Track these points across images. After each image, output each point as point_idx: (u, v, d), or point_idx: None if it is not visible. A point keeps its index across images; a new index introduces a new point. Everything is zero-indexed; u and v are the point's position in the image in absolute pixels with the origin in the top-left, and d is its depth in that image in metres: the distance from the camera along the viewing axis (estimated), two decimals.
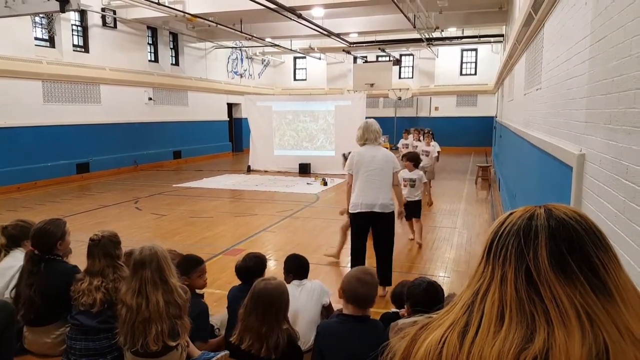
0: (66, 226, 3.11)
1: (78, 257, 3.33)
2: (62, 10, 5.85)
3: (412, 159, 6.97)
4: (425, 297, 2.42)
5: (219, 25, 14.28)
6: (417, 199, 6.81)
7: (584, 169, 2.60)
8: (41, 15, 11.59)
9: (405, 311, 2.60)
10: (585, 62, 2.70)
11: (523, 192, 5.74)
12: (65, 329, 2.90)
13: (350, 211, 4.74)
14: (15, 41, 11.30)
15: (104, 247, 2.87)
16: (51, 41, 12.77)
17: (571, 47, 3.15)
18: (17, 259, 3.08)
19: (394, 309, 3.13)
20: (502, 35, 16.98)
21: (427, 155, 10.17)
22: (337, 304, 3.06)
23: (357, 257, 4.82)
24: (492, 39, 18.52)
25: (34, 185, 11.73)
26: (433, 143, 10.70)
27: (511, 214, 0.81)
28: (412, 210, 6.71)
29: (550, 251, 0.72)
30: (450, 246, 6.76)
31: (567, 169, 2.86)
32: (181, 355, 2.76)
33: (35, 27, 12.24)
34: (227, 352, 3.01)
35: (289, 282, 3.26)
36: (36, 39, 12.34)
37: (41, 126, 12.06)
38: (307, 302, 3.10)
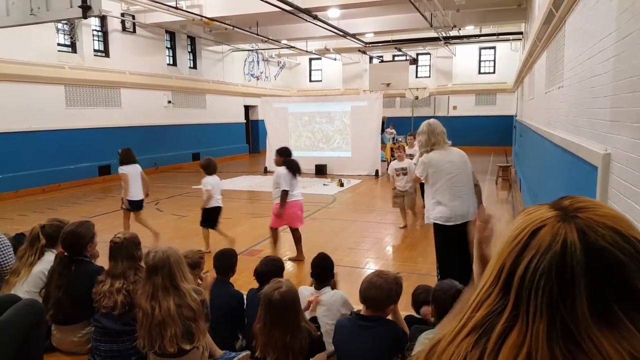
0: (94, 228, 3.17)
1: (99, 258, 3.40)
2: (85, 16, 5.96)
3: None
4: (452, 304, 2.37)
5: (235, 29, 14.39)
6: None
7: (609, 168, 2.55)
8: (64, 21, 11.83)
9: (430, 312, 2.57)
10: (610, 60, 2.64)
11: (545, 192, 5.65)
12: (91, 328, 2.95)
13: (439, 223, 4.22)
14: (38, 47, 11.56)
15: (127, 249, 2.92)
16: (73, 47, 13.03)
17: (595, 45, 3.09)
18: (50, 262, 3.13)
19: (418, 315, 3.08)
20: (521, 33, 16.73)
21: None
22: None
23: (451, 274, 3.61)
24: (510, 37, 18.25)
25: (58, 187, 11.97)
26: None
27: (536, 231, 0.67)
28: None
29: (591, 299, 0.62)
30: (471, 247, 6.68)
31: (591, 168, 2.81)
32: (202, 354, 2.79)
33: (58, 33, 12.52)
34: (248, 352, 3.04)
35: (313, 283, 3.25)
36: (59, 44, 12.62)
37: (64, 130, 12.31)
38: (325, 314, 3.04)
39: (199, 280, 3.46)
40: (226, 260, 3.52)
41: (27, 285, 3.05)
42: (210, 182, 6.27)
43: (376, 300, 2.50)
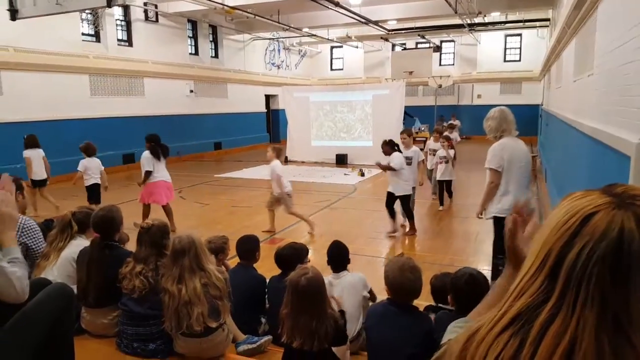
0: (121, 213, 3.23)
1: (128, 243, 3.47)
2: (109, 5, 6.04)
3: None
4: (467, 289, 2.37)
5: (257, 17, 14.36)
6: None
7: None
8: (88, 11, 12.00)
9: (450, 302, 2.56)
10: None
11: (572, 182, 5.51)
12: (119, 311, 3.02)
13: (502, 216, 3.94)
14: (63, 37, 11.76)
15: (152, 236, 2.96)
16: (97, 36, 13.21)
17: (629, 30, 2.97)
18: (79, 247, 3.20)
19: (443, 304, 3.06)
20: (548, 20, 16.28)
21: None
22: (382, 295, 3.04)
23: None
24: (537, 24, 17.77)
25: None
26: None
27: (588, 217, 0.64)
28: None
29: None
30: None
31: (624, 158, 2.72)
32: (227, 336, 2.87)
33: (82, 23, 12.70)
34: (270, 337, 3.07)
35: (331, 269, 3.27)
36: (83, 34, 12.81)
37: (89, 119, 12.53)
38: (347, 297, 3.07)
39: (222, 267, 3.50)
40: (248, 245, 3.58)
41: (57, 269, 3.14)
42: (85, 164, 7.37)
43: (408, 289, 2.49)
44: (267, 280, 3.45)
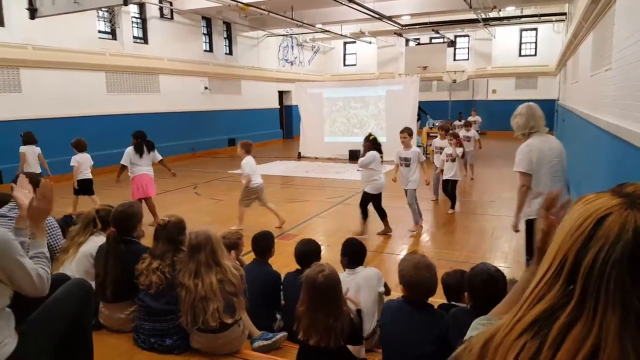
0: (142, 210, 3.31)
1: (143, 240, 3.52)
2: (126, 3, 6.10)
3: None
4: (484, 289, 2.34)
5: (270, 13, 14.38)
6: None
7: None
8: (104, 9, 12.13)
9: (466, 299, 2.54)
10: None
11: (590, 179, 5.45)
12: (136, 306, 3.07)
13: (533, 218, 3.74)
14: (80, 35, 11.91)
15: (169, 232, 3.00)
16: (113, 34, 13.36)
17: None
18: (98, 243, 3.26)
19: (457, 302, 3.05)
20: (564, 14, 16.02)
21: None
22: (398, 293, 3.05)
23: None
24: (553, 18, 17.49)
25: (101, 171, 12.39)
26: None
27: (601, 220, 0.64)
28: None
29: None
30: (511, 235, 6.52)
31: None
32: (243, 332, 2.90)
33: (98, 20, 12.85)
34: (285, 333, 3.10)
35: (344, 265, 3.27)
36: (99, 32, 12.95)
37: (105, 115, 12.69)
38: (362, 293, 3.08)
39: (237, 262, 3.54)
40: (263, 242, 3.61)
41: (75, 264, 3.19)
42: (77, 159, 7.70)
43: (424, 287, 2.48)
44: (282, 276, 3.48)
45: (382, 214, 6.62)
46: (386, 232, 6.63)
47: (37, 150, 8.15)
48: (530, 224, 3.85)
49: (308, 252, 3.36)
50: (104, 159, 12.68)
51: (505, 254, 5.81)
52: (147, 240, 3.37)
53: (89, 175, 7.78)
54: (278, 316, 3.40)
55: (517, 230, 3.95)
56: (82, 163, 7.72)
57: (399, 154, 6.64)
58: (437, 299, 2.94)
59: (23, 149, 8.03)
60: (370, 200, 6.56)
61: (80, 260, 3.22)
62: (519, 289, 1.02)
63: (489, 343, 0.72)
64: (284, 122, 22.19)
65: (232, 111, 17.96)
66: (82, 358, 2.43)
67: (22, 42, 10.66)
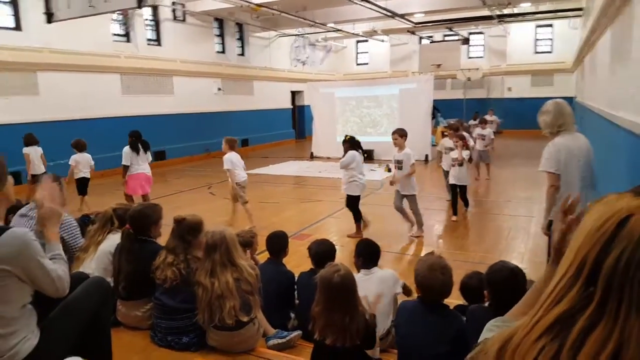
0: (161, 212, 3.31)
1: (160, 238, 3.54)
2: (140, 6, 6.15)
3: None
4: (506, 285, 2.32)
5: (282, 14, 14.40)
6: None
7: None
8: (119, 12, 12.27)
9: (486, 297, 2.51)
10: None
11: (608, 179, 5.34)
12: (152, 304, 3.10)
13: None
14: (95, 37, 12.08)
15: (180, 230, 3.05)
16: (127, 36, 13.51)
17: None
18: (117, 241, 3.30)
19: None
20: (581, 9, 15.76)
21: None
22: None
23: None
24: (570, 13, 17.21)
25: (114, 172, 12.52)
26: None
27: (623, 221, 0.62)
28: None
29: None
30: (527, 235, 6.45)
31: None
32: (258, 330, 2.93)
33: (113, 23, 13.00)
34: (299, 332, 3.10)
35: (358, 266, 3.26)
36: (114, 34, 13.11)
37: (120, 117, 12.83)
38: (378, 292, 3.07)
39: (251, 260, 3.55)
40: (278, 242, 3.62)
41: (95, 262, 3.25)
42: (76, 159, 8.06)
43: (439, 288, 2.46)
44: (296, 276, 3.48)
45: (357, 216, 6.58)
46: (356, 236, 6.36)
47: (40, 150, 8.41)
48: (551, 224, 3.73)
49: (324, 252, 3.37)
50: (119, 159, 12.84)
51: (521, 254, 5.73)
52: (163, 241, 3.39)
53: (87, 175, 8.12)
54: (292, 315, 3.41)
55: (547, 233, 3.78)
56: (80, 162, 8.07)
57: (394, 156, 6.49)
58: (454, 300, 2.90)
59: (26, 150, 8.29)
60: (354, 201, 6.53)
61: (100, 258, 3.28)
62: (537, 291, 1.01)
63: (506, 345, 0.71)
64: (297, 122, 22.22)
65: (245, 112, 18.04)
66: (101, 355, 2.47)
67: (39, 45, 10.84)
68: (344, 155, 6.50)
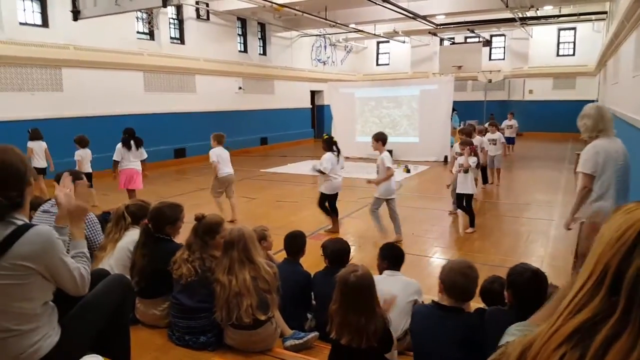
0: (182, 213, 3.32)
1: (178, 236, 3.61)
2: (164, 5, 6.27)
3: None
4: (529, 286, 2.31)
5: (304, 14, 14.46)
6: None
7: None
8: (143, 10, 12.49)
9: (507, 299, 2.51)
10: None
11: (632, 185, 5.26)
12: (169, 302, 3.12)
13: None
14: (120, 35, 12.30)
15: (198, 228, 3.08)
16: (151, 34, 13.73)
17: None
18: (134, 236, 3.33)
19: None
20: (605, 13, 15.47)
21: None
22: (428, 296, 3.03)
23: None
24: (593, 17, 16.90)
25: None
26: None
27: None
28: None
29: None
30: (547, 239, 6.38)
31: None
32: (275, 330, 2.94)
33: (137, 21, 13.23)
34: (317, 333, 3.12)
35: (382, 269, 3.28)
36: (138, 32, 13.34)
37: (143, 114, 13.05)
38: (400, 294, 3.06)
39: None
40: (295, 242, 3.65)
41: (114, 260, 3.27)
42: (81, 154, 8.43)
43: (464, 291, 2.48)
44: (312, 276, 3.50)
45: (335, 213, 6.87)
46: (333, 231, 6.72)
47: (44, 145, 8.73)
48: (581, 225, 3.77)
49: (338, 250, 3.39)
50: None
51: (541, 258, 5.68)
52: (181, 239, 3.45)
53: (89, 170, 8.43)
54: (309, 316, 3.42)
55: (569, 229, 3.88)
56: (85, 158, 8.44)
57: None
58: (473, 303, 2.91)
59: (30, 144, 8.61)
60: (327, 200, 6.75)
61: (119, 255, 3.28)
62: (562, 297, 1.02)
63: (526, 352, 0.71)
64: (316, 121, 22.28)
65: (265, 111, 18.16)
66: (120, 352, 2.48)
67: (64, 42, 11.09)
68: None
